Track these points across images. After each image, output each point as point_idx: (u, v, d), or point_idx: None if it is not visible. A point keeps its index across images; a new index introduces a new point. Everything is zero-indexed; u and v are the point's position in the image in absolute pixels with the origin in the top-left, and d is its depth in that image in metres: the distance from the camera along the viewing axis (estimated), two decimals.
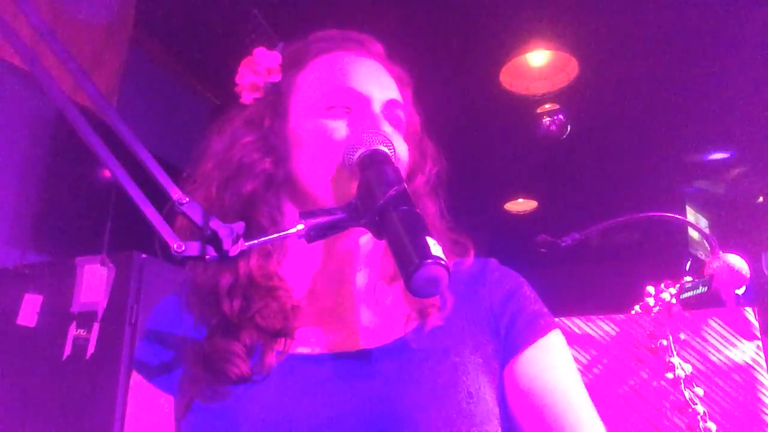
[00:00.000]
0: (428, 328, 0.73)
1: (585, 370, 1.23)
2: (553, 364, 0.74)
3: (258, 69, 0.83)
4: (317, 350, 0.74)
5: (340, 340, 0.75)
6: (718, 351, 1.18)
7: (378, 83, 0.80)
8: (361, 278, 0.80)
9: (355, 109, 0.78)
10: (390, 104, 0.80)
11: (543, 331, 0.75)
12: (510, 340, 0.75)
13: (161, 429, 0.76)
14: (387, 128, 0.77)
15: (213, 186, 0.78)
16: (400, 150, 0.77)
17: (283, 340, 0.73)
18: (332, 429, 0.66)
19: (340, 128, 0.76)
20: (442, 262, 0.59)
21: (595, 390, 1.20)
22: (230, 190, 0.77)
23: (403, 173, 0.80)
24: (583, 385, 0.75)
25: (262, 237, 0.65)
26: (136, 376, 0.80)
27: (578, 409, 0.72)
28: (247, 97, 0.84)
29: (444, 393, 0.68)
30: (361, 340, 0.74)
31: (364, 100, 0.78)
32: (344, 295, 0.79)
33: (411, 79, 0.88)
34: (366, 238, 0.80)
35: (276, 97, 0.82)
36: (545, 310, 0.79)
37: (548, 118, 3.81)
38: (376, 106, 0.78)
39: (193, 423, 0.71)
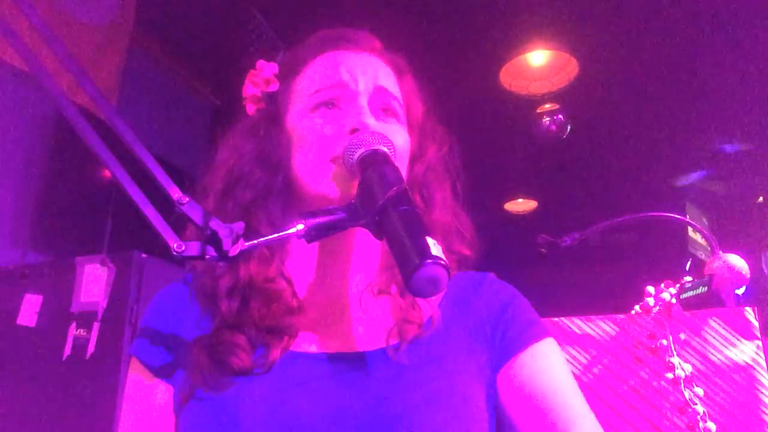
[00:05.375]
0: (427, 334, 0.74)
1: (585, 370, 1.23)
2: (547, 367, 0.76)
3: (257, 80, 0.86)
4: (317, 349, 0.75)
5: (339, 341, 0.76)
6: (718, 351, 1.18)
7: (364, 75, 0.81)
8: (359, 281, 0.81)
9: (341, 103, 0.79)
10: (378, 92, 0.81)
11: (537, 338, 0.77)
12: (504, 346, 0.76)
13: (158, 418, 0.76)
14: (371, 120, 0.77)
15: (216, 195, 0.80)
16: (396, 141, 0.78)
17: (286, 337, 0.74)
18: (331, 426, 0.67)
19: (326, 123, 0.78)
20: (442, 262, 0.59)
21: (595, 390, 1.20)
22: (231, 199, 0.79)
23: (405, 163, 0.81)
24: (578, 388, 0.76)
25: (261, 237, 0.66)
26: (135, 363, 0.79)
27: (573, 409, 0.73)
28: (250, 109, 0.87)
29: (440, 397, 0.69)
30: (360, 344, 0.75)
31: (349, 94, 0.79)
32: (343, 297, 0.80)
33: (411, 67, 0.89)
34: (364, 241, 0.81)
35: (274, 106, 0.85)
36: (539, 319, 0.81)
37: (548, 118, 3.81)
38: (362, 99, 0.79)
39: (195, 412, 0.71)
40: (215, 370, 0.71)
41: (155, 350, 0.78)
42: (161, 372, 0.77)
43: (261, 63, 0.86)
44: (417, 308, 0.77)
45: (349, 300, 0.79)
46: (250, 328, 0.73)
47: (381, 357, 0.72)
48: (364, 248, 0.82)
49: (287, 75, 0.85)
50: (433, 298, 0.78)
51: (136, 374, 0.79)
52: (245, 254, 0.70)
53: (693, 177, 4.92)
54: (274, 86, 0.85)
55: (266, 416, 0.67)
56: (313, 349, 0.75)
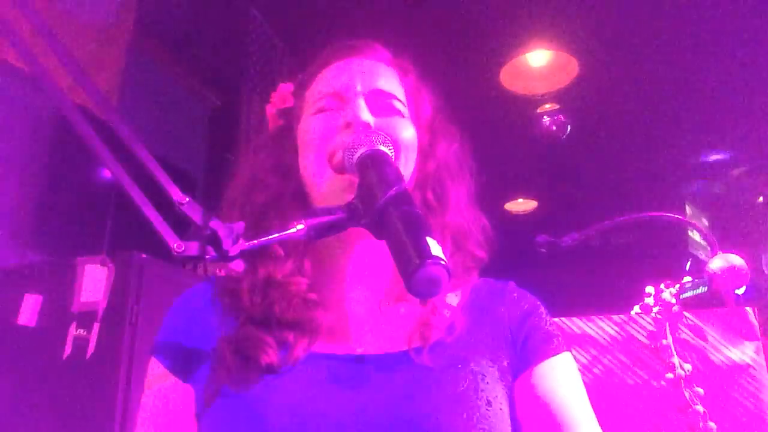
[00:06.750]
0: (450, 338, 0.76)
1: (585, 370, 1.23)
2: (562, 381, 0.77)
3: (275, 101, 0.92)
4: (340, 351, 0.76)
5: (361, 343, 0.77)
6: (718, 351, 1.18)
7: (362, 79, 0.83)
8: (379, 285, 0.82)
9: (338, 105, 0.82)
10: (375, 93, 0.83)
11: (556, 350, 0.79)
12: (524, 354, 0.78)
13: (177, 419, 0.76)
14: (366, 115, 0.79)
15: (236, 202, 0.85)
16: (401, 134, 0.80)
17: (309, 334, 0.75)
18: (358, 424, 0.67)
19: (322, 122, 0.81)
20: (443, 262, 0.59)
21: (595, 390, 1.20)
22: (248, 203, 0.83)
23: (414, 156, 0.83)
24: (590, 406, 0.78)
25: (263, 237, 0.66)
26: (155, 363, 0.79)
27: (581, 427, 0.74)
28: (272, 127, 0.93)
29: (465, 399, 0.70)
30: (382, 346, 0.76)
31: (347, 96, 0.82)
32: (363, 301, 0.81)
33: (415, 66, 0.91)
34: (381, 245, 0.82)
35: (288, 121, 0.90)
36: (559, 332, 0.82)
37: (548, 118, 3.80)
38: (359, 99, 0.81)
39: (222, 409, 0.71)
40: (242, 367, 0.71)
41: (175, 351, 0.79)
42: (181, 372, 0.77)
43: (281, 85, 0.93)
44: (438, 313, 0.78)
45: (370, 303, 0.80)
46: (273, 325, 0.75)
47: (404, 359, 0.73)
48: (382, 252, 0.82)
49: (299, 90, 0.90)
50: (455, 304, 0.81)
51: (156, 375, 0.79)
52: (263, 255, 0.75)
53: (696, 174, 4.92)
54: (290, 103, 0.90)
55: (293, 414, 0.68)
56: (335, 350, 0.76)
